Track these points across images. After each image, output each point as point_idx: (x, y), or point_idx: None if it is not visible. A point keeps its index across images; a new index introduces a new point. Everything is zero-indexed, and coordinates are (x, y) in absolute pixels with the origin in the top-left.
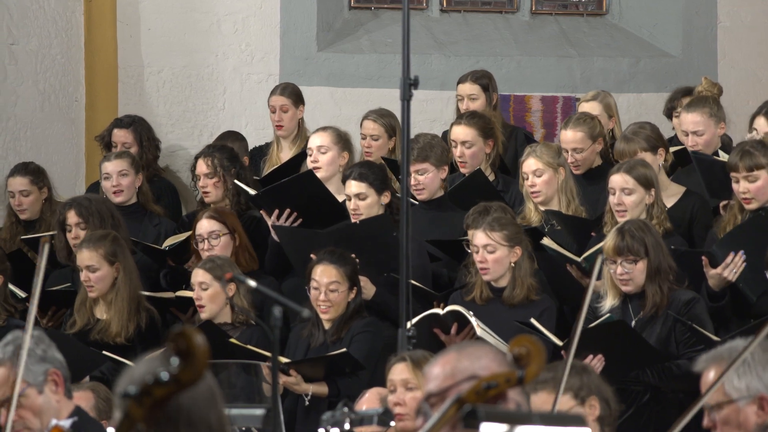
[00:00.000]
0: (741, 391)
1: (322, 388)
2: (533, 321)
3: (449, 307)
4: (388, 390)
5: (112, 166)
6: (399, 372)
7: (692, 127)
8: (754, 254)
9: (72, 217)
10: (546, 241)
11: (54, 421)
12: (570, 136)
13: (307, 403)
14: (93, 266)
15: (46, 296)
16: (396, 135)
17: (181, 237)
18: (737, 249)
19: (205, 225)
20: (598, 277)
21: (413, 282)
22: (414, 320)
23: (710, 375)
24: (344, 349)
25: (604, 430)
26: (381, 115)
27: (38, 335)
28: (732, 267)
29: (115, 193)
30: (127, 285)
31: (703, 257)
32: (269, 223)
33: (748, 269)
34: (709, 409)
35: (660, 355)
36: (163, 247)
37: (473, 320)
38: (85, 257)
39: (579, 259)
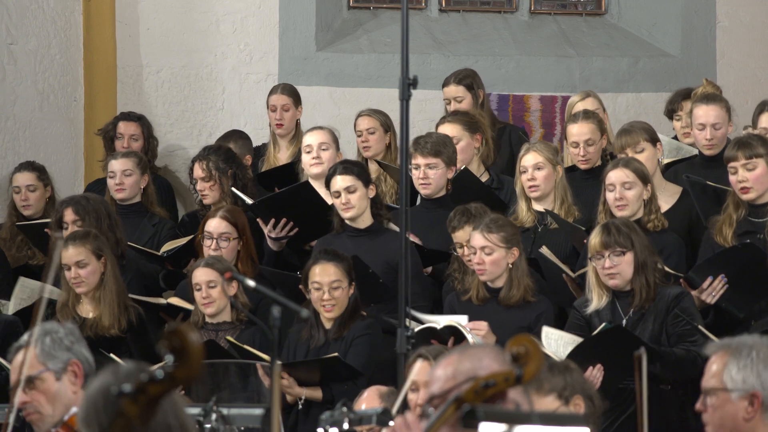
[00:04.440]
0: (737, 383)
1: (316, 393)
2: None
3: (446, 322)
4: (409, 389)
5: (117, 165)
6: (421, 372)
7: (712, 120)
8: (736, 275)
9: (69, 215)
10: (544, 250)
11: (74, 409)
12: (583, 129)
13: (300, 407)
14: (82, 261)
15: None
16: (391, 130)
17: (180, 242)
18: (715, 274)
19: (217, 225)
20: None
21: (415, 241)
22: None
23: (717, 362)
24: (335, 354)
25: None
26: (374, 111)
27: (71, 328)
28: (710, 291)
29: (117, 190)
30: (114, 279)
31: (682, 280)
32: (265, 232)
33: (733, 290)
34: (705, 393)
35: (656, 351)
36: (160, 253)
37: (469, 336)
38: (73, 253)
39: (574, 275)
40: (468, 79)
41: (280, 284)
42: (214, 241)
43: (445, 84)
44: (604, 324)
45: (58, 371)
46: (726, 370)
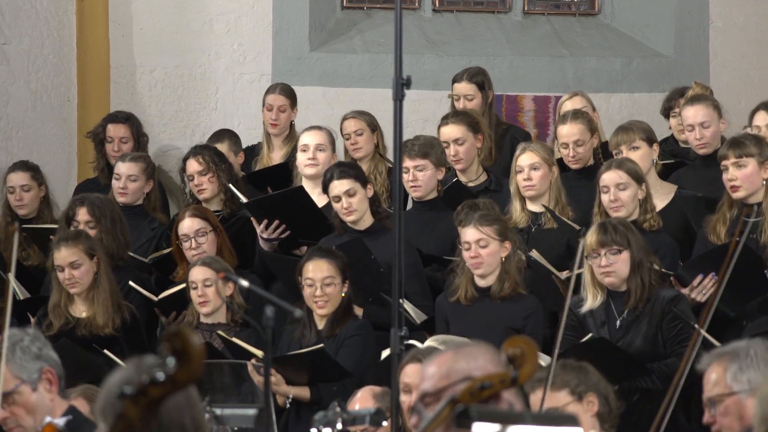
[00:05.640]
0: (743, 384)
1: (303, 392)
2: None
3: (429, 341)
4: (402, 390)
5: (124, 169)
6: (414, 374)
7: (700, 119)
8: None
9: (82, 215)
10: (534, 254)
11: (48, 419)
12: (572, 129)
13: (287, 405)
14: (76, 262)
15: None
16: (377, 129)
17: (163, 252)
18: (706, 271)
19: (189, 224)
20: (580, 266)
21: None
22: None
23: (716, 370)
24: (321, 345)
25: (603, 426)
26: (359, 112)
27: (34, 333)
28: (701, 289)
29: (120, 194)
30: (107, 278)
31: (672, 278)
32: (258, 231)
33: (725, 288)
34: (710, 404)
35: (643, 366)
36: (147, 260)
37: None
38: (66, 255)
39: (563, 276)
40: (479, 77)
41: (280, 269)
42: (192, 240)
43: (456, 80)
44: (591, 335)
45: (33, 382)
46: (728, 374)
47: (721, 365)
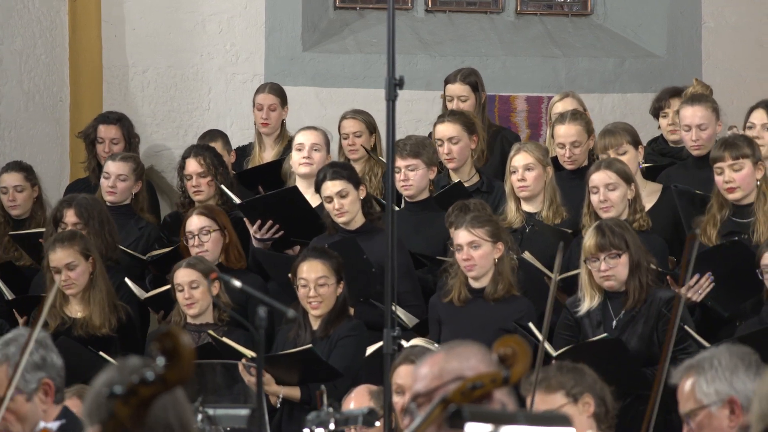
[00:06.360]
0: (711, 396)
1: (294, 392)
2: (531, 326)
3: (413, 341)
4: (394, 391)
5: (113, 168)
6: (407, 375)
7: (698, 121)
8: (724, 274)
9: (70, 216)
10: (527, 255)
11: (42, 424)
12: (570, 130)
13: (277, 405)
14: (72, 263)
15: (29, 300)
16: (376, 131)
17: (165, 251)
18: (702, 271)
19: (195, 221)
20: (574, 268)
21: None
22: (376, 346)
23: (686, 385)
24: (309, 345)
25: (600, 427)
26: (358, 112)
27: (41, 339)
28: (697, 288)
29: (108, 193)
30: (102, 278)
31: (668, 277)
32: (251, 232)
33: (720, 288)
34: (686, 418)
35: (647, 380)
36: (146, 257)
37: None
38: (62, 256)
39: (556, 278)
40: (472, 77)
41: (275, 266)
42: (196, 237)
43: (450, 81)
44: (606, 335)
45: (29, 392)
46: (696, 388)
47: (689, 379)
